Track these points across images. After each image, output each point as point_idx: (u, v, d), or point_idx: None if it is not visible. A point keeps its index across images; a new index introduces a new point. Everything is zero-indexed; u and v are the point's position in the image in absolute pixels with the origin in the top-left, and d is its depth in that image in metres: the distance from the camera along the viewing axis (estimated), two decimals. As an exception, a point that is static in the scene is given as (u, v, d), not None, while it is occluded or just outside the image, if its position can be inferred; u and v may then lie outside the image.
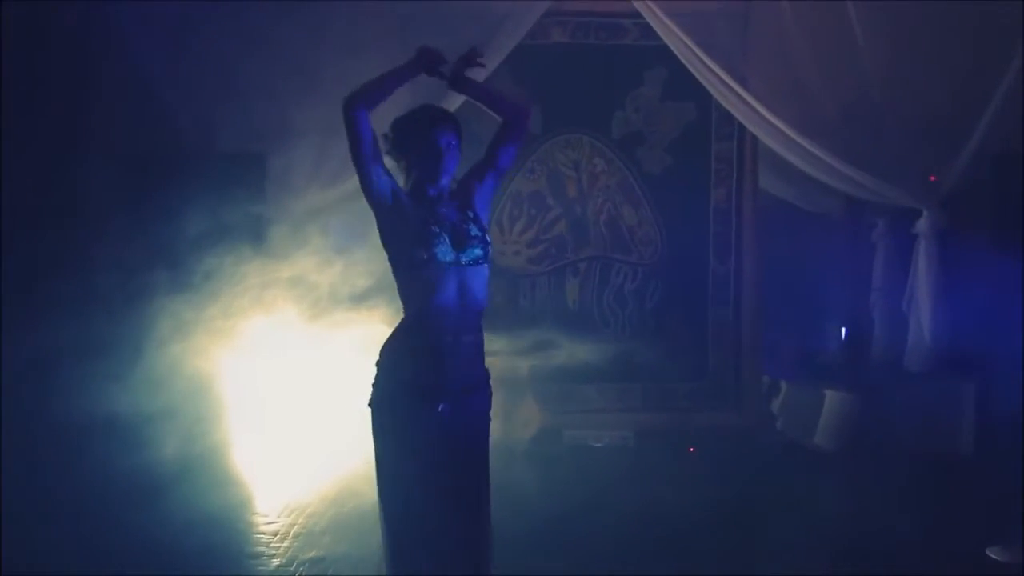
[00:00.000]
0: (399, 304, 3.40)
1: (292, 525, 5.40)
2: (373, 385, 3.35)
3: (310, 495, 5.80)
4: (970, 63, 6.50)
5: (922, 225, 6.88)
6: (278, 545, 5.05)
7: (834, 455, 6.78)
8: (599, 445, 7.12)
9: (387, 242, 3.38)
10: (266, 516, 5.55)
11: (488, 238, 3.48)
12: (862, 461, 6.68)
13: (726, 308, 7.59)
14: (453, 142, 3.65)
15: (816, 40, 6.64)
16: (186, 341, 4.87)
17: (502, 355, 6.99)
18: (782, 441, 7.14)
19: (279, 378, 5.78)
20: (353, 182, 6.97)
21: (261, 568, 4.70)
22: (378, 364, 3.35)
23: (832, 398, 6.89)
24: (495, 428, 3.58)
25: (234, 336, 5.20)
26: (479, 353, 3.44)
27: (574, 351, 7.44)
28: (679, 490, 6.22)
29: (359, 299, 5.89)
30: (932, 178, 6.69)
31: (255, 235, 5.72)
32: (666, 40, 6.90)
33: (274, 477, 5.88)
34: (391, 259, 3.38)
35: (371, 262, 6.30)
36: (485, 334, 3.56)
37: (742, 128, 7.39)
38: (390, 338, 3.34)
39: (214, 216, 5.40)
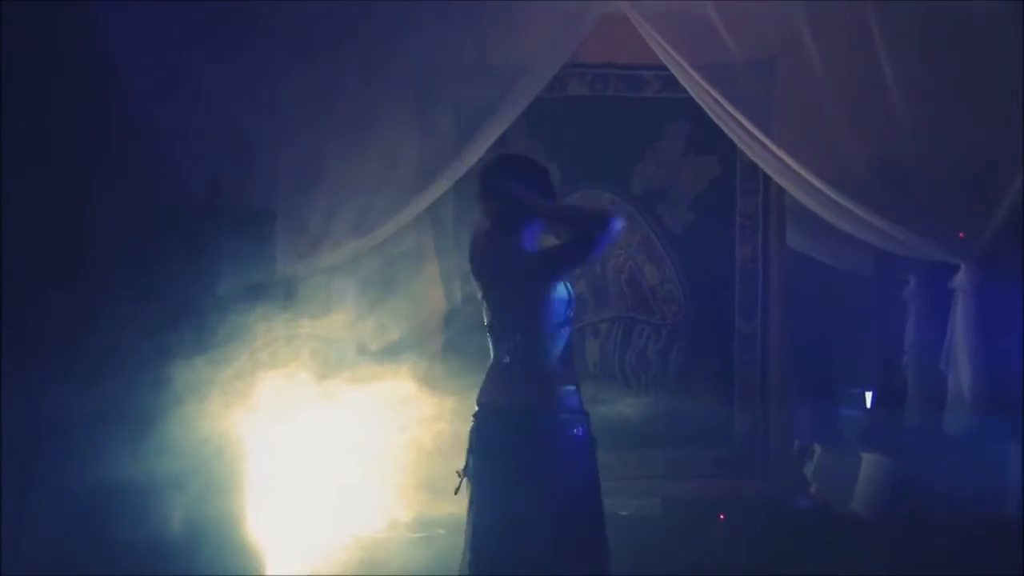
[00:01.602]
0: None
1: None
2: None
3: (330, 565, 5.68)
4: (1007, 112, 6.50)
5: (960, 280, 6.81)
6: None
7: (872, 523, 6.65)
8: (624, 514, 6.98)
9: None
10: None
11: None
12: (903, 529, 6.51)
13: (753, 369, 7.49)
14: None
15: (846, 89, 6.60)
16: (200, 404, 4.78)
17: None
18: (816, 508, 7.00)
19: (298, 440, 5.71)
20: (365, 242, 7.16)
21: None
22: None
23: (869, 462, 6.76)
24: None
25: (249, 398, 5.11)
26: None
27: (595, 416, 7.31)
28: (710, 559, 6.09)
29: (382, 356, 5.84)
30: (960, 235, 6.67)
31: (272, 293, 5.66)
32: (690, 91, 6.88)
33: (291, 545, 5.73)
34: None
35: (391, 317, 6.34)
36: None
37: (767, 182, 7.37)
38: None
39: (229, 274, 5.36)
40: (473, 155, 6.93)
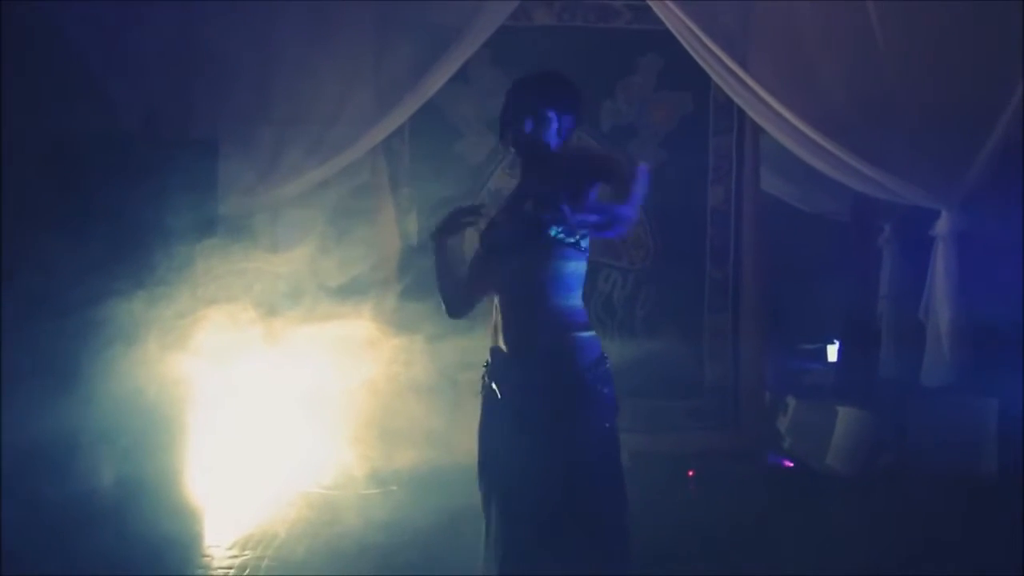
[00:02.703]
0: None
1: (260, 559, 5.02)
2: None
3: (279, 523, 5.47)
4: (993, 50, 6.28)
5: (940, 226, 6.63)
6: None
7: (847, 478, 6.53)
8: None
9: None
10: (227, 549, 5.18)
11: None
12: (878, 484, 6.42)
13: (724, 317, 7.27)
14: None
15: (827, 25, 6.39)
16: (132, 351, 4.46)
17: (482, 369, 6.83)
18: (790, 462, 6.86)
19: (243, 388, 5.46)
20: (313, 176, 6.87)
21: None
22: None
23: (845, 416, 6.64)
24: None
25: (190, 341, 4.80)
26: None
27: None
28: (680, 516, 5.96)
29: (334, 297, 5.56)
30: None
31: (215, 228, 5.33)
32: (665, 21, 6.60)
33: (234, 503, 5.53)
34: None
35: (342, 256, 6.06)
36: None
37: (742, 122, 7.12)
38: None
39: (167, 207, 5.02)
40: (431, 86, 6.69)
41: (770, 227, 7.33)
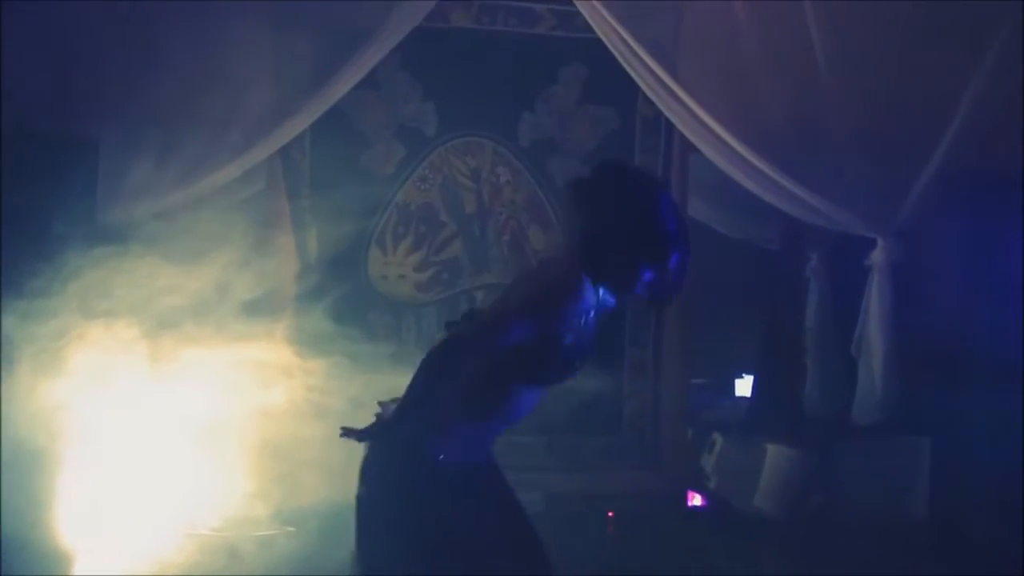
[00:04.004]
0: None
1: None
2: None
3: (168, 569, 5.19)
4: (935, 77, 6.31)
5: (876, 256, 6.60)
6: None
7: (776, 521, 6.45)
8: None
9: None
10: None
11: None
12: (807, 528, 6.35)
13: (645, 349, 7.12)
14: None
15: (767, 39, 6.32)
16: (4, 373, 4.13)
17: (370, 392, 6.61)
18: (715, 505, 6.76)
19: (121, 417, 5.08)
20: (204, 184, 6.58)
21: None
22: None
23: (774, 454, 6.57)
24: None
25: (64, 365, 4.47)
26: None
27: None
28: (599, 560, 5.90)
29: (225, 316, 5.29)
30: None
31: (94, 237, 5.01)
32: (593, 25, 6.45)
33: (112, 547, 5.15)
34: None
35: (234, 271, 5.78)
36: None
37: (670, 141, 7.02)
38: None
39: (38, 212, 4.70)
40: (336, 91, 6.51)
41: (696, 254, 7.26)
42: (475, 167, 7.01)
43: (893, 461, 6.56)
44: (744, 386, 8.50)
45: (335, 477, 6.07)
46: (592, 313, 3.16)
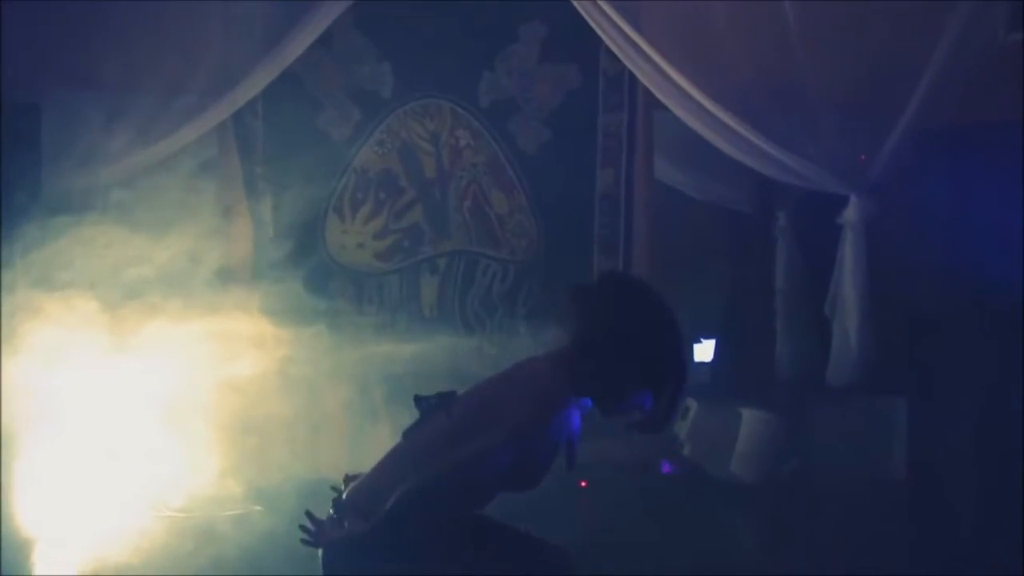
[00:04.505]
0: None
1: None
2: None
3: (132, 554, 5.02)
4: (907, 30, 6.30)
5: (849, 213, 6.59)
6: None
7: (752, 486, 6.46)
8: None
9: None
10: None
11: None
12: (783, 492, 6.37)
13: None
14: None
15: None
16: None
17: (347, 376, 6.40)
18: (689, 472, 6.74)
19: (82, 395, 4.97)
20: (152, 151, 6.44)
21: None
22: None
23: (750, 419, 6.54)
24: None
25: (16, 342, 4.32)
26: None
27: (433, 369, 6.89)
28: (572, 532, 5.82)
29: (178, 289, 5.16)
30: (862, 158, 6.49)
31: (38, 208, 4.86)
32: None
33: (71, 534, 5.03)
34: None
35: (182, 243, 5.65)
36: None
37: (633, 98, 6.95)
38: None
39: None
40: (288, 54, 6.44)
41: (664, 216, 7.25)
42: (434, 130, 6.91)
43: (869, 422, 6.59)
44: (704, 351, 8.49)
45: (303, 453, 6.06)
46: (577, 423, 3.00)
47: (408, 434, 2.94)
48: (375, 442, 6.75)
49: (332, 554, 2.89)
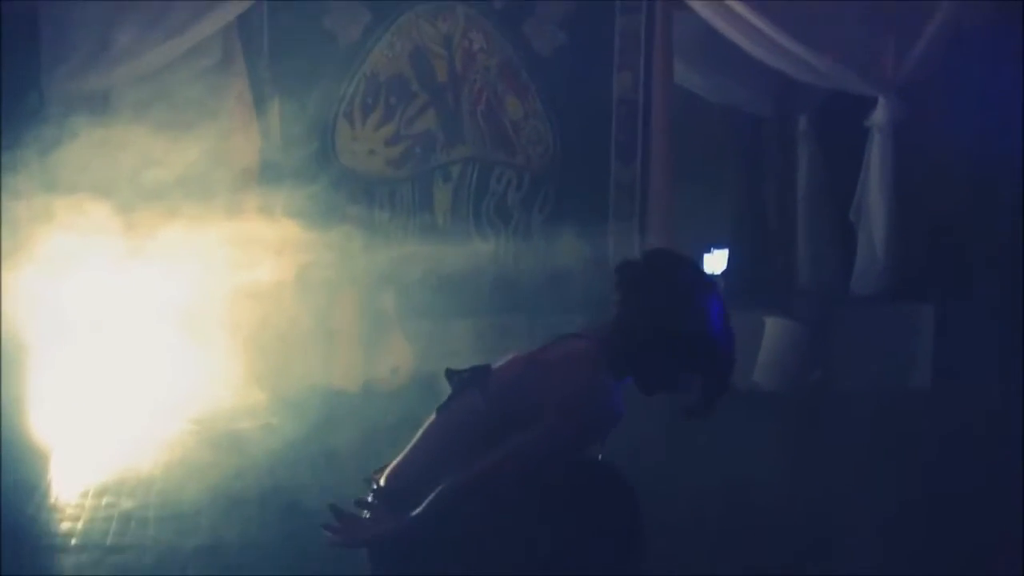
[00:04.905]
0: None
1: (143, 508, 4.49)
2: None
3: (151, 466, 4.96)
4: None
5: (877, 116, 6.52)
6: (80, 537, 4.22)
7: (774, 396, 6.43)
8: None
9: None
10: (94, 497, 4.64)
11: None
12: (807, 401, 6.39)
13: (631, 222, 7.04)
14: None
15: None
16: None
17: (359, 284, 6.48)
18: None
19: (88, 306, 4.91)
20: (149, 60, 6.30)
21: (58, 570, 3.85)
22: None
23: (773, 327, 6.52)
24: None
25: (28, 251, 4.23)
26: None
27: (446, 277, 6.84)
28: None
29: (187, 194, 5.08)
30: None
31: (43, 114, 4.75)
32: None
33: (86, 445, 5.03)
34: None
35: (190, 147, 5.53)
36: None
37: (652, -1, 6.95)
38: None
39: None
40: None
41: (682, 121, 7.14)
42: (446, 32, 6.77)
43: (894, 330, 6.57)
44: (715, 261, 8.41)
45: (317, 361, 6.02)
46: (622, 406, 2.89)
47: (442, 411, 2.81)
48: (389, 351, 6.81)
49: (381, 555, 2.79)
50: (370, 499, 2.72)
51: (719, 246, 8.02)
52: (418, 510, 2.57)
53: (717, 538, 4.13)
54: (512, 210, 6.98)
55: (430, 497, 2.56)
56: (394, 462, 2.76)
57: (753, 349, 6.60)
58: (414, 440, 2.76)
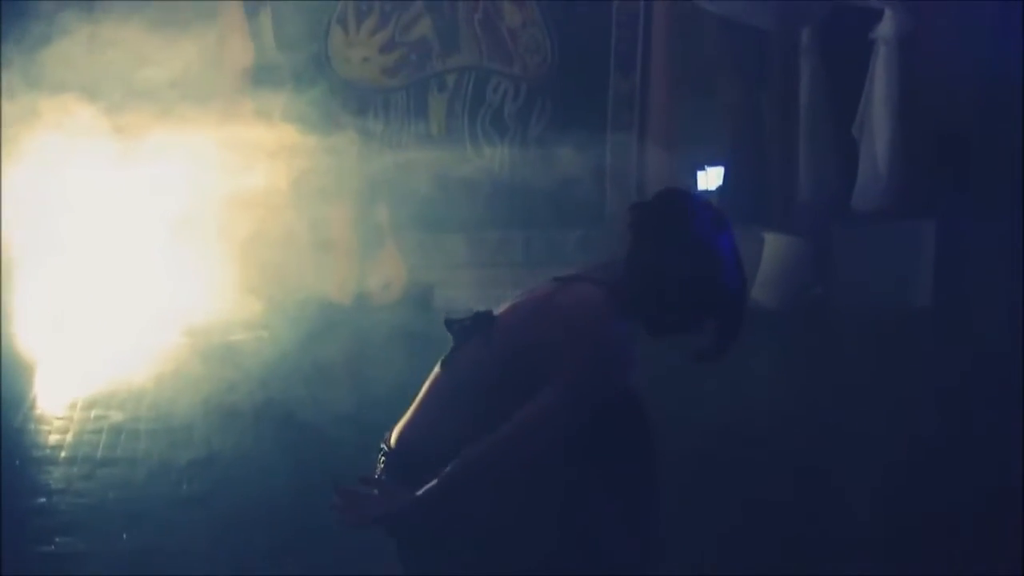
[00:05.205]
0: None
1: (134, 421, 4.48)
2: None
3: (142, 379, 4.93)
4: None
5: (883, 28, 6.41)
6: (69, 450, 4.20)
7: (774, 313, 6.37)
8: (481, 310, 6.39)
9: None
10: (83, 410, 4.63)
11: None
12: (806, 319, 6.38)
13: (630, 134, 6.98)
14: None
15: None
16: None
17: (353, 195, 6.37)
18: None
19: (75, 212, 4.83)
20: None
21: (46, 483, 3.83)
22: None
23: (773, 243, 6.47)
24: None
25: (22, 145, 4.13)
26: None
27: (440, 190, 6.76)
28: None
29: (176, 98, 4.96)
30: None
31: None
32: None
33: (70, 357, 4.99)
34: None
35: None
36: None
37: None
38: None
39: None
40: None
41: (682, 33, 7.01)
42: (443, -65, 6.70)
43: (896, 247, 6.48)
44: (709, 178, 8.32)
45: (310, 272, 5.96)
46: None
47: (447, 364, 2.68)
48: (382, 265, 6.75)
49: (413, 551, 2.68)
50: (380, 462, 2.64)
51: (718, 159, 7.94)
52: (433, 484, 2.47)
53: (715, 459, 4.10)
54: (509, 121, 6.90)
55: (447, 470, 2.45)
56: (402, 422, 2.66)
57: (752, 266, 6.59)
58: (420, 396, 2.66)
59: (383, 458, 2.58)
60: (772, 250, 6.53)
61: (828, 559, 3.23)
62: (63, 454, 4.09)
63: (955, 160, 6.38)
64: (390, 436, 2.59)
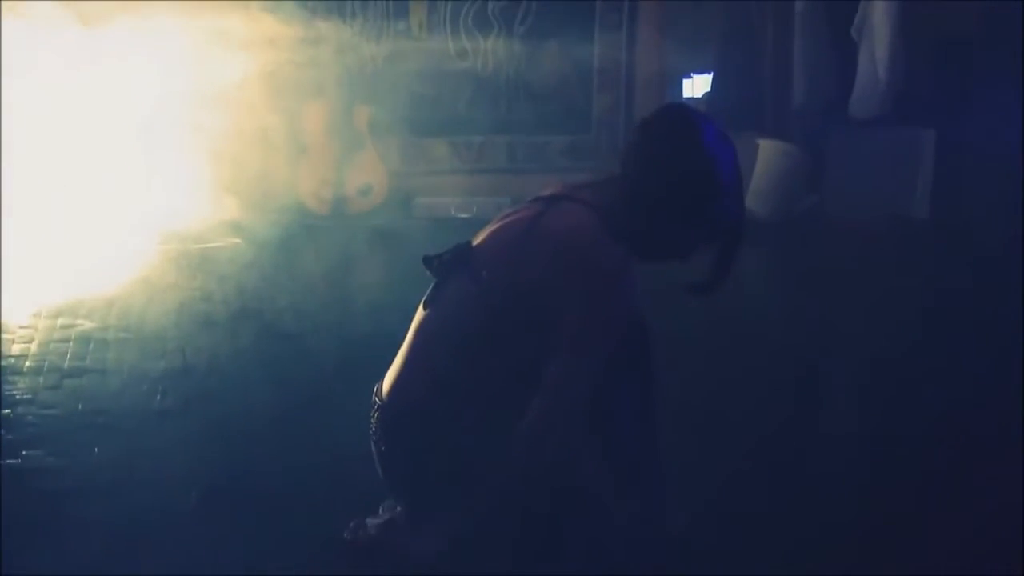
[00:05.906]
0: None
1: (102, 329, 4.35)
2: None
3: (110, 286, 4.79)
4: None
5: (886, -77, 6.25)
6: (35, 360, 4.05)
7: (768, 224, 6.29)
8: (466, 216, 6.33)
9: None
10: (48, 318, 4.50)
11: None
12: (801, 228, 6.36)
13: (618, 34, 6.89)
14: None
15: None
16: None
17: (330, 96, 6.34)
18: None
19: (34, 110, 4.64)
20: None
21: (10, 394, 3.66)
22: None
23: (767, 150, 6.38)
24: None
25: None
26: None
27: (419, 91, 6.67)
28: None
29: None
30: None
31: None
32: None
33: (43, 269, 4.83)
34: None
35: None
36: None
37: None
38: None
39: None
40: None
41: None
42: None
43: (893, 156, 6.40)
44: (697, 85, 8.19)
45: (285, 178, 5.85)
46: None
47: (430, 304, 2.52)
48: (361, 169, 6.62)
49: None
50: (373, 417, 2.51)
51: (710, 62, 7.81)
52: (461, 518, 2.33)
53: (705, 371, 4.04)
54: (492, 20, 6.76)
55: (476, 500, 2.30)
56: (391, 371, 2.52)
57: (747, 174, 6.50)
58: (407, 341, 2.52)
59: (376, 413, 2.46)
60: (766, 157, 6.44)
61: (826, 480, 3.18)
62: (28, 363, 3.99)
63: (958, 67, 6.27)
64: (380, 388, 2.47)
